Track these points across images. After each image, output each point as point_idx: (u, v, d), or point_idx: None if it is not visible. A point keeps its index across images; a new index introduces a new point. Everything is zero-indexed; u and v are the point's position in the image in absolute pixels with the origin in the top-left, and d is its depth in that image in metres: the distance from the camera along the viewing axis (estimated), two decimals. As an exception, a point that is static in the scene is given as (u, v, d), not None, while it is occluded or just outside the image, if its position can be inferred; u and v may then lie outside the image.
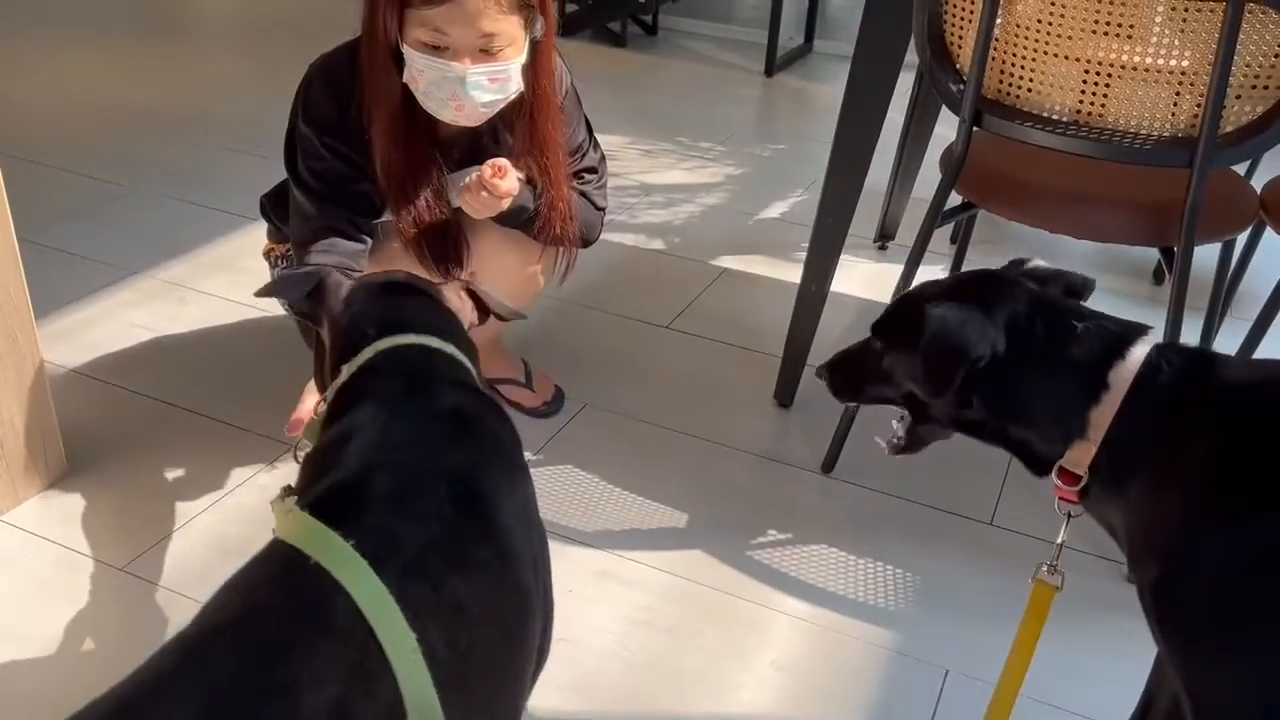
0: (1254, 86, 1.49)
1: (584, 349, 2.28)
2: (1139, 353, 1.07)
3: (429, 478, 0.93)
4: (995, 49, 1.60)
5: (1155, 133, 1.54)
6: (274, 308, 2.06)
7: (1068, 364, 1.09)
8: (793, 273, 2.14)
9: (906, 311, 1.20)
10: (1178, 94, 1.51)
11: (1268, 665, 0.98)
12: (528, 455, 1.92)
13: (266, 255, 1.97)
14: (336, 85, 1.64)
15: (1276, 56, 1.46)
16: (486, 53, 1.54)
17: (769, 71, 4.24)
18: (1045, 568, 1.21)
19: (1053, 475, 1.13)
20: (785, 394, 2.12)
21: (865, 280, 2.60)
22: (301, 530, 0.84)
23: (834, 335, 2.34)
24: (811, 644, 1.58)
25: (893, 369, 1.23)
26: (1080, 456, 1.10)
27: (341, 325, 1.14)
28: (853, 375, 1.32)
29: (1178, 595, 1.02)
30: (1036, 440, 1.13)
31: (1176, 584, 1.03)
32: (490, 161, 1.64)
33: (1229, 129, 1.52)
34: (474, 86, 1.55)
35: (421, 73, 1.55)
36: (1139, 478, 1.06)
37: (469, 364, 1.12)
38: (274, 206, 1.90)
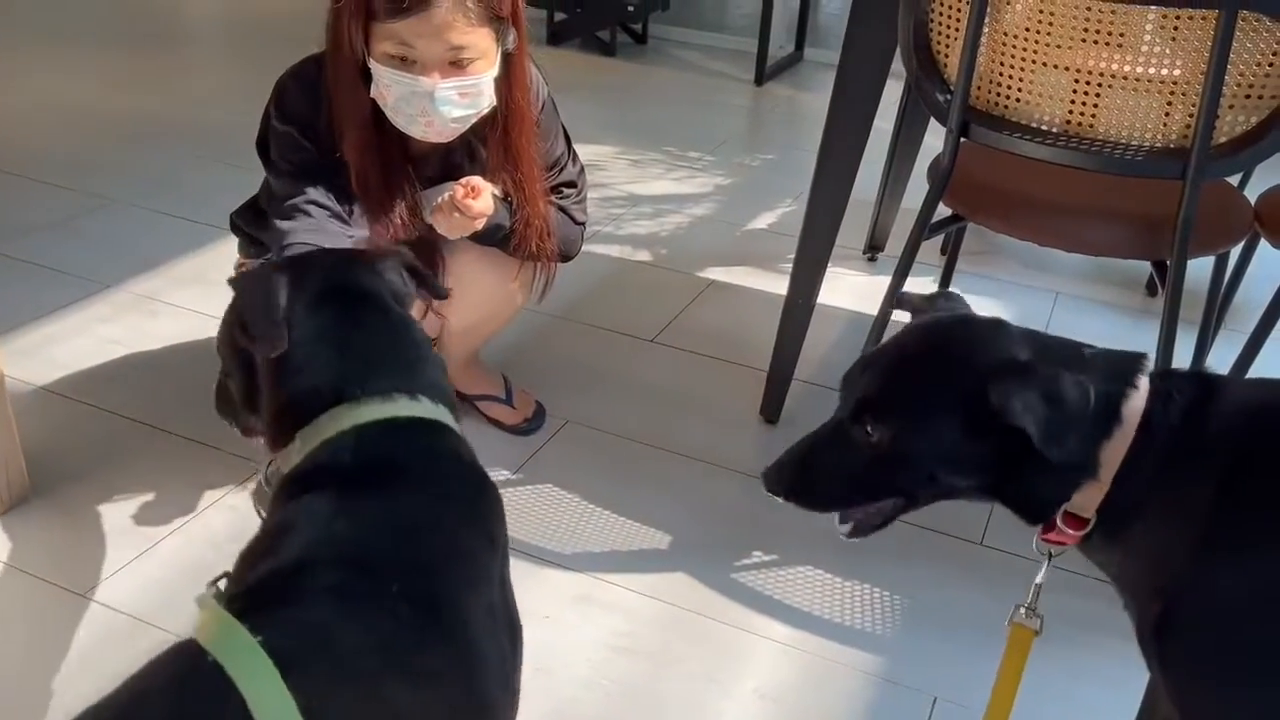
0: (1247, 96, 1.45)
1: (566, 364, 2.24)
2: (1144, 383, 1.00)
3: (381, 575, 0.83)
4: (983, 58, 1.56)
5: (1147, 144, 1.51)
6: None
7: (1081, 399, 0.98)
8: (781, 285, 2.10)
9: (929, 381, 1.03)
10: (1169, 104, 1.47)
11: (1271, 702, 0.95)
12: (505, 474, 1.88)
13: (239, 270, 1.92)
14: (310, 88, 1.60)
15: (1270, 66, 1.42)
16: (456, 66, 1.49)
17: (759, 80, 4.20)
18: (1023, 610, 1.13)
19: (1057, 520, 1.03)
20: (771, 410, 2.08)
21: (854, 292, 2.56)
22: (210, 624, 0.75)
23: (822, 349, 2.30)
24: (796, 670, 1.53)
25: (912, 454, 1.04)
26: (1089, 499, 1.01)
27: (281, 362, 0.99)
28: (834, 475, 1.09)
29: (1181, 632, 0.98)
30: (1045, 485, 1.02)
31: (1180, 621, 0.98)
32: (463, 180, 1.59)
33: (1222, 140, 1.49)
34: (443, 102, 1.50)
35: (389, 88, 1.50)
36: (1145, 515, 1.00)
37: (443, 412, 1.00)
38: (247, 221, 1.85)
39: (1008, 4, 1.50)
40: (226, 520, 1.74)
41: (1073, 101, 1.52)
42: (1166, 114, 1.48)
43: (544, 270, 1.82)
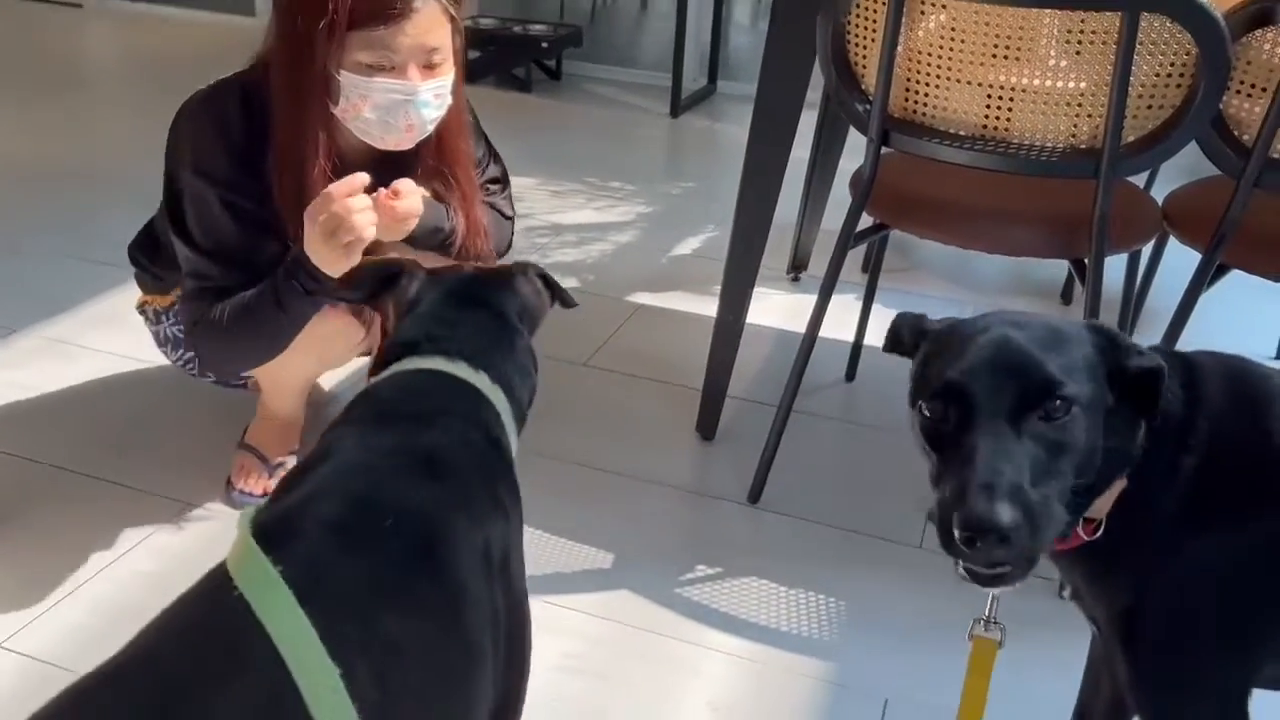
0: (1152, 97, 1.51)
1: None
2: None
3: (379, 511, 0.88)
4: (900, 70, 1.61)
5: (1060, 146, 1.56)
6: (165, 360, 1.94)
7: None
8: (708, 306, 2.12)
9: (1081, 357, 0.92)
10: (1078, 112, 1.52)
11: (1230, 689, 0.96)
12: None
13: (142, 308, 1.85)
14: (226, 127, 1.52)
15: (1170, 70, 1.49)
16: (429, 68, 1.47)
17: (674, 113, 4.26)
18: (981, 623, 1.08)
19: (1079, 526, 0.95)
20: (707, 426, 2.08)
21: (780, 311, 2.59)
22: (239, 551, 0.83)
23: (751, 366, 2.32)
24: (746, 681, 1.52)
25: (1089, 427, 0.91)
26: (1108, 499, 0.95)
27: (395, 328, 1.14)
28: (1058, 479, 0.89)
29: (1150, 621, 0.96)
30: (1101, 479, 0.94)
31: (1150, 609, 0.96)
32: (395, 183, 1.54)
33: (1130, 139, 1.55)
34: (423, 104, 1.48)
35: (366, 97, 1.44)
36: (1124, 507, 0.95)
37: (499, 396, 1.08)
38: (147, 253, 1.78)
39: (921, 17, 1.55)
40: (153, 563, 1.67)
41: (987, 111, 1.56)
42: (1075, 120, 1.53)
43: None
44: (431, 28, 1.44)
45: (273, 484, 1.83)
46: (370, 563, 0.84)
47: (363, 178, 1.45)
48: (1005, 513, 0.82)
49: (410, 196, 1.52)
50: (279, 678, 0.73)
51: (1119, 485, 0.95)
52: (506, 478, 1.05)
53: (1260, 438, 0.93)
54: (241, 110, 1.52)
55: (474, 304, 1.16)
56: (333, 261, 1.46)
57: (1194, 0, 1.40)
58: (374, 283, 1.18)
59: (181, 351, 1.81)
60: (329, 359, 1.80)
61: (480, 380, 1.07)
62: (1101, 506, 0.95)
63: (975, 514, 0.82)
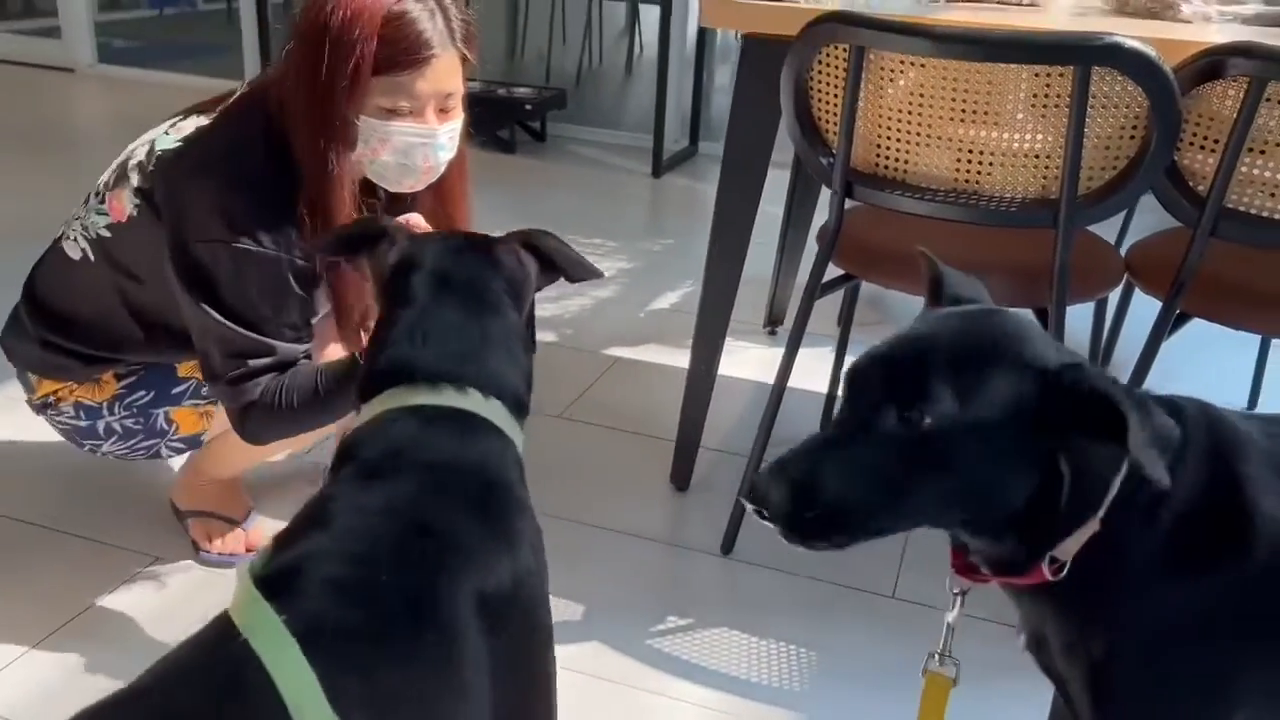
0: (1109, 150, 1.55)
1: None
2: None
3: (375, 568, 0.89)
4: (867, 129, 1.64)
5: (1023, 197, 1.59)
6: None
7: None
8: (684, 359, 2.13)
9: (997, 363, 0.87)
10: (1047, 166, 1.56)
11: None
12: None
13: (46, 405, 1.66)
14: (257, 184, 1.45)
15: (1122, 129, 1.53)
16: (444, 111, 1.49)
17: (656, 173, 4.32)
18: (936, 657, 1.06)
19: (1044, 563, 0.92)
20: (681, 477, 2.08)
21: (756, 364, 2.60)
22: (242, 600, 0.84)
23: (727, 419, 2.32)
24: (717, 732, 1.51)
25: (968, 448, 0.86)
26: (1076, 541, 0.92)
27: (377, 334, 1.10)
28: (855, 485, 0.88)
29: (1122, 679, 0.95)
30: (1061, 518, 0.91)
31: (1122, 666, 0.94)
32: (406, 217, 1.54)
33: (1088, 190, 1.58)
34: (440, 147, 1.49)
35: (386, 141, 1.44)
36: (1095, 555, 0.92)
37: (493, 407, 1.05)
38: (62, 335, 1.61)
39: (891, 78, 1.59)
40: (117, 617, 1.65)
41: (956, 168, 1.60)
42: (1044, 174, 1.56)
43: None
44: (450, 73, 1.46)
45: (253, 539, 1.83)
46: (368, 615, 0.85)
47: (418, 218, 1.50)
48: (769, 495, 0.88)
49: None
50: None
51: (1089, 527, 0.91)
52: (503, 509, 1.02)
53: (1239, 487, 0.92)
54: (271, 164, 1.46)
55: (455, 290, 1.11)
56: None
57: (1143, 56, 1.44)
58: (356, 244, 1.18)
59: (131, 442, 1.67)
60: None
61: (470, 400, 1.05)
62: (1068, 548, 0.92)
63: (751, 483, 0.91)
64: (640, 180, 4.30)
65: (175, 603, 1.70)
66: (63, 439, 1.73)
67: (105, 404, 1.64)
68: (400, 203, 1.63)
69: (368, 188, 1.58)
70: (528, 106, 4.53)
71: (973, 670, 1.11)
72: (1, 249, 3.10)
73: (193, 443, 1.70)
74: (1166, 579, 0.93)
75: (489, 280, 1.13)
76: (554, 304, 2.95)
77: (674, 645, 1.67)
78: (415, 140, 1.46)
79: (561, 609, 1.74)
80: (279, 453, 1.85)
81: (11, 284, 1.74)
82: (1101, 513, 0.91)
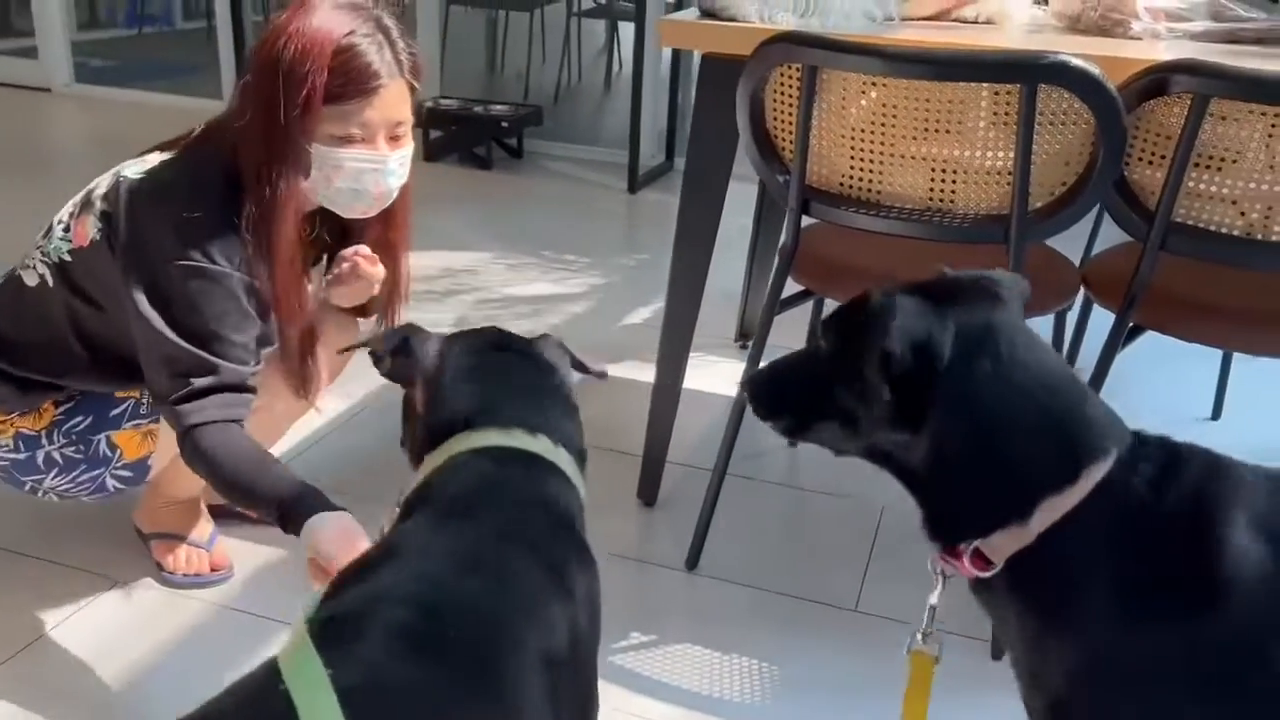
0: (1067, 164, 1.57)
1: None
2: (1116, 452, 0.94)
3: (443, 620, 0.86)
4: (833, 147, 1.66)
5: (975, 212, 1.61)
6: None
7: (1049, 434, 0.94)
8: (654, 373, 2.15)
9: (860, 305, 1.02)
10: (1006, 184, 1.58)
11: None
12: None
13: None
14: (211, 208, 1.48)
15: (1081, 144, 1.55)
16: (395, 139, 1.54)
17: (632, 188, 4.34)
18: (919, 636, 1.09)
19: (964, 554, 0.97)
20: (648, 492, 2.10)
21: (727, 378, 2.61)
22: (293, 647, 0.82)
23: (696, 433, 2.34)
24: (678, 747, 1.52)
25: (833, 374, 1.03)
26: (1005, 544, 0.95)
27: (433, 395, 1.09)
28: (785, 386, 1.11)
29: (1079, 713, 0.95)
30: (968, 504, 0.97)
31: (1077, 709, 0.95)
32: (356, 249, 1.67)
33: (1038, 205, 1.60)
34: (390, 174, 1.54)
35: (339, 168, 1.49)
36: (1063, 583, 0.94)
37: (561, 455, 1.07)
38: (4, 359, 1.60)
39: (855, 100, 1.61)
40: (80, 639, 1.65)
41: (930, 187, 1.62)
42: (1002, 192, 1.59)
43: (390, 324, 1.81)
44: (398, 102, 1.51)
45: (217, 559, 1.83)
46: (428, 676, 0.82)
47: (365, 249, 1.66)
48: (745, 383, 1.16)
49: (377, 263, 1.67)
50: None
51: (1016, 533, 0.94)
52: (574, 552, 1.02)
53: (1216, 541, 0.90)
54: (226, 191, 1.50)
55: (509, 356, 1.13)
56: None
57: (1088, 74, 1.46)
58: (391, 353, 1.15)
59: (74, 474, 1.64)
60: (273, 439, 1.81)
61: (540, 444, 1.05)
62: (995, 546, 0.96)
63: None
64: (616, 196, 4.32)
65: (139, 624, 1.70)
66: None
67: (44, 432, 1.62)
68: (350, 234, 1.69)
69: (313, 222, 1.63)
70: (504, 123, 4.56)
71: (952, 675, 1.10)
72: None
73: (139, 470, 1.67)
74: (1125, 620, 0.92)
75: (539, 349, 1.16)
76: (528, 320, 2.96)
77: (637, 661, 1.68)
78: (367, 166, 1.51)
79: (525, 626, 1.74)
80: None
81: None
82: (1033, 524, 0.93)
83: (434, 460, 1.04)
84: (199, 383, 1.47)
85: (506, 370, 1.12)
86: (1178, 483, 0.93)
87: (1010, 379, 0.95)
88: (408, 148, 1.57)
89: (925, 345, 0.94)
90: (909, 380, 0.95)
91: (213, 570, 1.81)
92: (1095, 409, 0.97)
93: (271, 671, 0.80)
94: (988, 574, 0.97)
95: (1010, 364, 0.95)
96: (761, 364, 1.19)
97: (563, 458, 1.07)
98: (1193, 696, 0.91)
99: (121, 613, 1.73)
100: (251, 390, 1.53)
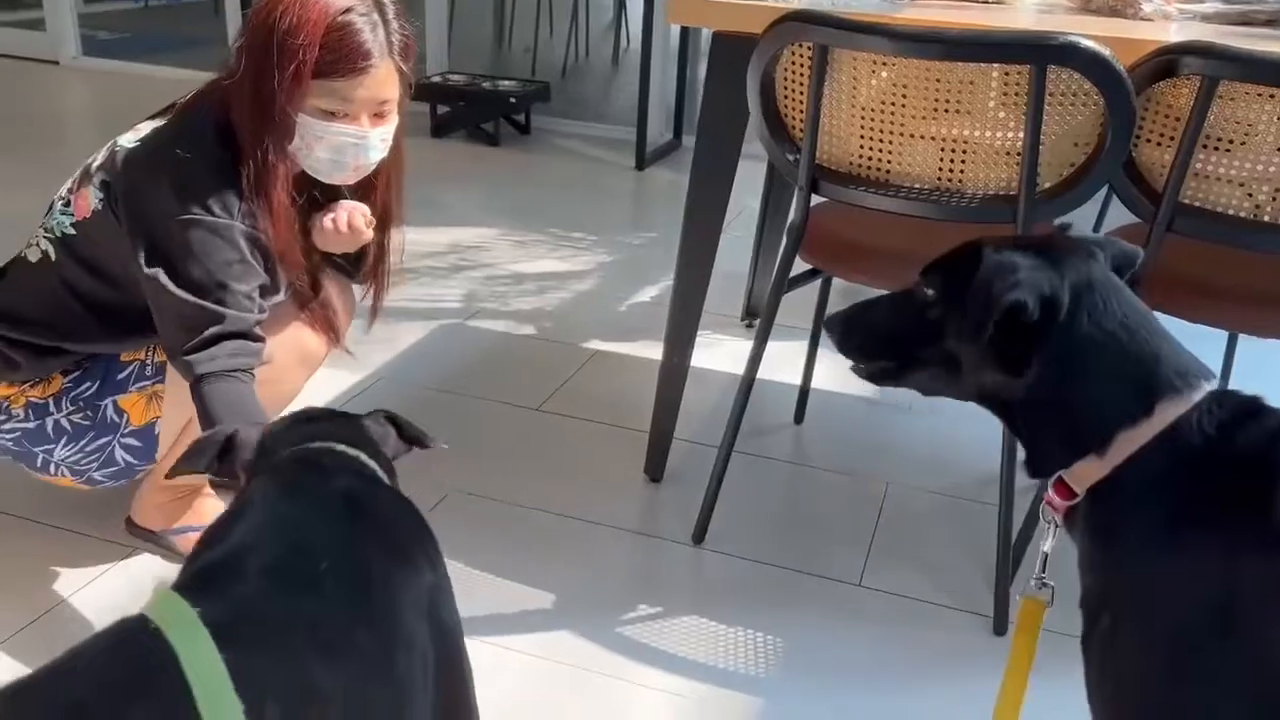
0: (1075, 145, 1.58)
1: (453, 435, 2.23)
2: (1194, 394, 0.99)
3: (311, 555, 0.90)
4: (845, 126, 1.67)
5: (984, 192, 1.62)
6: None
7: (1127, 371, 1.01)
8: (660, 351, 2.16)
9: (968, 255, 1.08)
10: (1016, 164, 1.59)
11: None
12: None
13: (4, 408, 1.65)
14: (205, 162, 1.52)
15: (1090, 125, 1.55)
16: (379, 116, 1.57)
17: (640, 165, 4.34)
18: (1033, 581, 1.14)
19: (1049, 483, 1.06)
20: (655, 468, 2.11)
21: (733, 357, 2.63)
22: (156, 599, 0.84)
23: (703, 410, 2.36)
24: (684, 719, 1.54)
25: (941, 322, 1.09)
26: (1086, 473, 1.03)
27: (262, 454, 1.13)
28: (877, 329, 1.15)
29: (1124, 650, 0.99)
30: (1050, 437, 1.05)
31: (1125, 638, 0.99)
32: (353, 206, 1.68)
33: (1049, 185, 1.61)
34: (371, 149, 1.58)
35: (320, 139, 1.53)
36: (1131, 520, 1.00)
37: (378, 468, 1.11)
38: (14, 329, 1.62)
39: (866, 79, 1.61)
40: (93, 607, 1.68)
41: (940, 166, 1.63)
42: (1011, 172, 1.59)
43: (377, 296, 1.85)
44: (385, 82, 1.54)
45: None
46: (305, 606, 0.86)
47: (363, 207, 1.68)
48: (834, 325, 1.21)
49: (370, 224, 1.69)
50: (184, 707, 0.75)
51: (1092, 463, 1.01)
52: (416, 512, 1.08)
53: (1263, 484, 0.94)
54: (218, 147, 1.53)
55: (323, 418, 1.21)
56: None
57: (1097, 55, 1.47)
58: (213, 453, 1.18)
59: (83, 443, 1.66)
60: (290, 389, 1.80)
61: (361, 455, 1.11)
62: (1077, 475, 1.03)
63: (827, 319, 1.23)
64: (624, 173, 4.32)
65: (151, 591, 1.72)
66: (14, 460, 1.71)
67: (52, 399, 1.65)
68: (335, 193, 1.72)
69: (308, 181, 1.65)
70: (512, 99, 4.55)
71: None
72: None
73: (147, 440, 1.68)
74: (1171, 552, 0.97)
75: (359, 427, 1.20)
76: (535, 297, 2.98)
77: (644, 633, 1.70)
78: (348, 141, 1.55)
79: (534, 597, 1.77)
80: None
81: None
82: (1109, 454, 1.00)
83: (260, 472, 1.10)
84: (208, 332, 1.50)
85: (325, 425, 1.18)
86: (1251, 431, 0.98)
87: (1105, 327, 1.03)
88: (391, 124, 1.60)
89: (1050, 299, 1.01)
90: (1028, 330, 1.02)
91: None
92: (1178, 355, 1.03)
93: (133, 619, 0.82)
94: (1071, 503, 1.04)
95: (1107, 315, 1.03)
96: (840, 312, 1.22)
97: (379, 470, 1.12)
98: (1221, 632, 0.94)
99: (138, 580, 1.75)
100: (260, 339, 1.56)
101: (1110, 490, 1.01)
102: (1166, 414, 0.99)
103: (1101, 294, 1.04)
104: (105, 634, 0.82)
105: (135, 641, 0.80)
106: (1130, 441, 0.99)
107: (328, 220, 1.68)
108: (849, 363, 1.22)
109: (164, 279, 1.50)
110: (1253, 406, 1.00)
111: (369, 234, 1.70)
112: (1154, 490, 0.99)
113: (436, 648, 0.98)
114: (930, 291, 1.11)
